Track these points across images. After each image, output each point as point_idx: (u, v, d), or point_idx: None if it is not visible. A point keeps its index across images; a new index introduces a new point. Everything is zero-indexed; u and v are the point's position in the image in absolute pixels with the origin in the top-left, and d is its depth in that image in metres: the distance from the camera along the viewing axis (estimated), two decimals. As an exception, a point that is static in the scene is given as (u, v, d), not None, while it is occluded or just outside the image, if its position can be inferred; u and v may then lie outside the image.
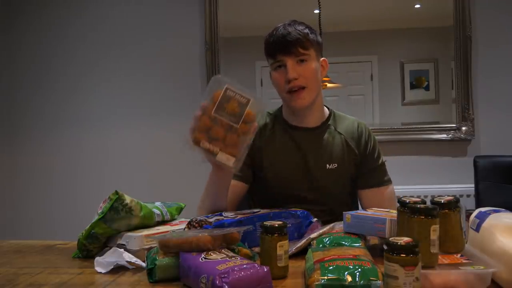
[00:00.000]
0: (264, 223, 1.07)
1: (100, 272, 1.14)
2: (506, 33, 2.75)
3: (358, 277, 0.88)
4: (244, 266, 0.92)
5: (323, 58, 1.60)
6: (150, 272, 1.06)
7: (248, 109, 1.24)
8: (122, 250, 1.19)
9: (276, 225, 1.05)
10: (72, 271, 1.18)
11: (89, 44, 3.05)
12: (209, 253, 1.01)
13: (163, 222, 1.38)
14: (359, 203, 1.66)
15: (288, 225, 1.11)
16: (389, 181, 1.62)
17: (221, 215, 1.32)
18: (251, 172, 1.61)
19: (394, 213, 1.15)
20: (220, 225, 1.22)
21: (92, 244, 1.28)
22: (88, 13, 3.06)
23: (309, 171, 1.57)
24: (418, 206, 0.96)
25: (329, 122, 1.63)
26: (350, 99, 2.89)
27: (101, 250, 1.29)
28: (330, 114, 1.65)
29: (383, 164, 1.64)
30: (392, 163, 1.77)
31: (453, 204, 1.01)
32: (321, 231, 1.25)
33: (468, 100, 2.74)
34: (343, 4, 2.89)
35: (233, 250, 1.06)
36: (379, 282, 0.87)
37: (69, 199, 3.02)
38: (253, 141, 1.30)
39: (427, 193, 2.60)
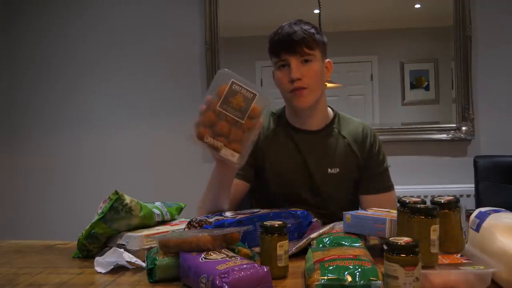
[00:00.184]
0: (264, 223, 1.07)
1: (100, 272, 1.14)
2: (506, 33, 2.75)
3: (358, 277, 0.88)
4: (244, 266, 0.92)
5: (328, 60, 1.57)
6: (150, 272, 1.06)
7: (254, 104, 1.22)
8: (122, 250, 1.19)
9: (276, 225, 1.05)
10: (72, 271, 1.18)
11: (89, 44, 3.05)
12: (209, 253, 1.01)
13: (163, 222, 1.38)
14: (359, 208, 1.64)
15: (288, 225, 1.11)
16: (391, 187, 1.60)
17: (221, 215, 1.32)
18: (253, 172, 1.59)
19: (394, 213, 1.15)
20: (220, 225, 1.22)
21: (92, 244, 1.28)
22: (88, 13, 3.06)
23: (310, 174, 1.55)
24: (418, 206, 0.96)
25: (333, 125, 1.60)
26: (350, 99, 2.89)
27: (101, 250, 1.29)
28: (334, 116, 1.62)
29: (386, 169, 1.61)
30: (392, 163, 1.76)
31: (453, 204, 1.01)
32: (321, 231, 1.25)
33: (468, 100, 2.74)
34: (343, 4, 2.89)
35: (233, 250, 1.06)
36: (379, 282, 0.87)
37: (68, 199, 3.03)
38: (256, 140, 1.28)
39: (427, 193, 2.60)
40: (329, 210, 1.55)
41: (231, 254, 1.01)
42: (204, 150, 1.24)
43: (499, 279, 0.93)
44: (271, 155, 1.58)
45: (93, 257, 1.21)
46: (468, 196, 2.65)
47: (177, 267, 1.03)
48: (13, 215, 3.09)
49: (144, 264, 1.14)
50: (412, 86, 2.85)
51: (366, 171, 1.58)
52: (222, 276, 0.89)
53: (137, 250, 1.22)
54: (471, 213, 1.10)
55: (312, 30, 1.50)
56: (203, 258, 0.98)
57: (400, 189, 2.22)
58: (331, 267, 0.91)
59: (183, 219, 1.44)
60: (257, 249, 1.14)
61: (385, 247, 0.86)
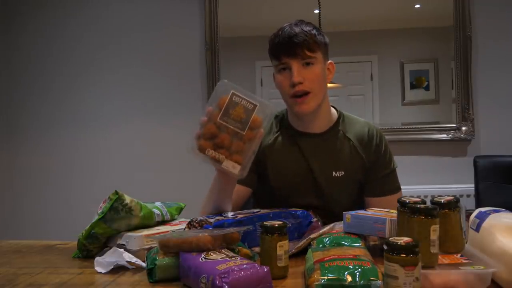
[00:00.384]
0: (264, 223, 1.07)
1: (100, 272, 1.14)
2: (506, 33, 2.75)
3: (358, 277, 0.88)
4: (244, 266, 0.92)
5: (330, 61, 1.53)
6: (150, 272, 1.06)
7: (254, 115, 1.22)
8: (122, 250, 1.19)
9: (276, 225, 1.05)
10: (72, 271, 1.18)
11: (87, 44, 3.05)
12: (209, 253, 1.01)
13: (163, 222, 1.38)
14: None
15: (288, 225, 1.11)
16: (398, 189, 1.56)
17: (221, 215, 1.32)
18: (255, 177, 1.56)
19: (394, 213, 1.15)
20: (220, 225, 1.22)
21: (92, 244, 1.28)
22: (86, 12, 3.06)
23: (315, 178, 1.52)
24: (418, 206, 0.96)
25: (338, 127, 1.56)
26: (350, 99, 2.89)
27: (101, 250, 1.29)
28: (339, 117, 1.58)
29: (394, 170, 1.57)
30: (392, 163, 1.76)
31: (453, 204, 1.01)
32: (321, 231, 1.25)
33: (468, 100, 2.74)
34: (343, 4, 2.89)
35: (233, 250, 1.06)
36: (379, 282, 0.87)
37: (65, 199, 3.02)
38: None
39: (427, 193, 2.60)
40: (333, 213, 1.49)
41: (231, 254, 1.01)
42: (205, 162, 1.24)
43: (499, 279, 0.93)
44: (274, 159, 1.55)
45: (93, 257, 1.21)
46: (468, 196, 2.65)
47: (177, 267, 1.03)
48: (10, 214, 3.08)
49: (144, 264, 1.14)
50: (412, 86, 2.85)
51: (372, 173, 1.54)
52: (222, 276, 0.89)
53: (137, 250, 1.22)
54: (471, 213, 1.10)
55: (314, 31, 1.45)
56: (203, 258, 0.98)
57: (400, 189, 2.22)
58: (331, 267, 0.91)
59: (183, 219, 1.44)
60: (257, 249, 1.14)
61: (385, 247, 0.86)
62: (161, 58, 2.99)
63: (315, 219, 1.36)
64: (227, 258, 0.97)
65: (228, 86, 1.24)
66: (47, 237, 1.62)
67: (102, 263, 1.16)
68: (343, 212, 1.24)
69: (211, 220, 1.25)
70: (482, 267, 0.93)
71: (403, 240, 0.85)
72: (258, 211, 1.33)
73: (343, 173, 1.52)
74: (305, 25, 1.47)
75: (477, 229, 1.04)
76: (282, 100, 1.53)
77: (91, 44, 3.04)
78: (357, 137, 1.55)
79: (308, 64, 1.44)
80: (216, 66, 2.89)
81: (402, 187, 1.59)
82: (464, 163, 2.69)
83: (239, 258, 0.98)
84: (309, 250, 1.08)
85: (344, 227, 1.23)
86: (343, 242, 1.14)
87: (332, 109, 1.60)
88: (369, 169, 1.54)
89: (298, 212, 1.35)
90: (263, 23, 2.75)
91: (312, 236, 1.22)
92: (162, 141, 2.95)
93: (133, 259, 1.16)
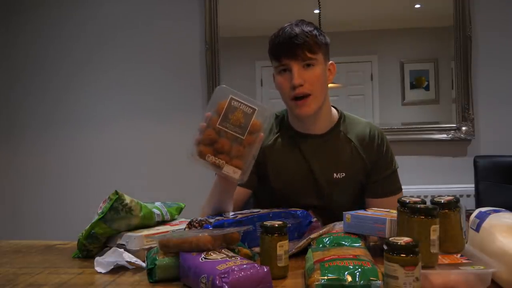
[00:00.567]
0: (264, 223, 1.07)
1: (100, 272, 1.14)
2: (506, 33, 2.75)
3: (358, 277, 0.88)
4: (244, 266, 0.92)
5: (330, 62, 1.51)
6: (150, 272, 1.06)
7: (253, 119, 1.22)
8: (122, 250, 1.19)
9: (276, 225, 1.05)
10: (72, 271, 1.18)
11: (86, 44, 3.04)
12: (209, 253, 1.01)
13: (163, 222, 1.38)
14: None
15: (288, 225, 1.11)
16: (399, 189, 1.56)
17: (221, 215, 1.32)
18: (256, 178, 1.55)
19: (394, 213, 1.15)
20: (220, 225, 1.22)
21: (92, 244, 1.28)
22: (85, 12, 3.05)
23: (315, 180, 1.51)
24: (418, 206, 0.96)
25: (339, 128, 1.54)
26: (350, 99, 2.89)
27: (101, 250, 1.29)
28: (340, 118, 1.56)
29: (395, 171, 1.56)
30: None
31: (453, 204, 1.01)
32: (321, 231, 1.25)
33: (468, 100, 2.74)
34: (343, 4, 2.89)
35: (233, 250, 1.07)
36: (379, 282, 0.87)
37: (64, 199, 3.02)
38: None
39: (427, 193, 2.60)
40: (333, 213, 1.47)
41: (231, 254, 1.01)
42: (206, 168, 1.24)
43: (499, 279, 0.93)
44: (274, 160, 1.54)
45: (93, 257, 1.21)
46: (468, 196, 2.65)
47: (177, 267, 1.04)
48: (8, 214, 3.08)
49: (144, 264, 1.14)
50: (412, 86, 2.85)
51: (373, 174, 1.54)
52: (222, 276, 0.89)
53: (137, 250, 1.22)
54: (471, 213, 1.10)
55: (315, 32, 1.43)
56: (203, 258, 0.98)
57: (400, 189, 2.22)
58: (331, 267, 0.91)
59: (183, 219, 1.44)
60: (257, 249, 1.14)
61: (385, 247, 0.86)
62: (161, 58, 2.98)
63: (315, 219, 1.36)
64: (227, 258, 0.97)
65: (227, 91, 1.23)
66: (45, 237, 1.61)
67: (102, 263, 1.16)
68: (343, 212, 1.24)
69: (211, 220, 1.25)
70: (482, 267, 0.93)
71: (403, 240, 0.85)
72: (258, 211, 1.33)
73: (344, 174, 1.51)
74: (305, 25, 1.45)
75: (477, 229, 1.04)
76: (282, 101, 1.52)
77: (90, 44, 3.04)
78: (358, 138, 1.54)
79: (308, 65, 1.43)
80: (216, 66, 2.89)
81: (402, 187, 1.59)
82: (464, 163, 2.68)
83: (239, 258, 0.98)
84: (309, 250, 1.08)
85: (344, 227, 1.23)
86: (343, 242, 1.14)
87: (333, 109, 1.58)
88: (371, 170, 1.53)
89: (298, 212, 1.35)
90: (263, 23, 2.75)
91: (312, 236, 1.22)
92: (162, 141, 2.95)
93: (133, 259, 1.16)
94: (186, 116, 2.87)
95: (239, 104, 1.22)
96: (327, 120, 1.54)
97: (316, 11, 2.79)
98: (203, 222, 1.24)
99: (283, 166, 1.54)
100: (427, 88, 2.84)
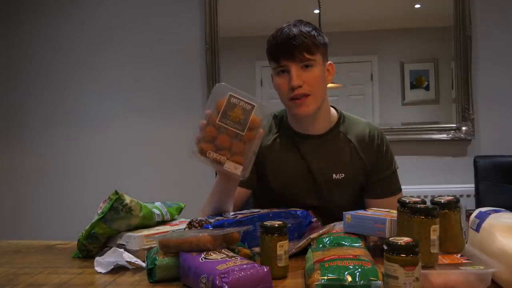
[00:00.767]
0: (264, 223, 1.07)
1: (100, 272, 1.14)
2: (506, 33, 2.75)
3: (358, 277, 0.88)
4: (244, 266, 0.92)
5: (329, 62, 1.50)
6: (150, 272, 1.06)
7: (253, 115, 1.22)
8: (122, 250, 1.19)
9: (276, 225, 1.05)
10: (72, 271, 1.18)
11: (84, 44, 3.04)
12: (209, 253, 1.01)
13: (163, 222, 1.38)
14: None
15: (288, 225, 1.11)
16: (399, 190, 1.55)
17: (221, 215, 1.32)
18: (255, 177, 1.55)
19: (394, 213, 1.15)
20: (220, 225, 1.22)
21: (92, 244, 1.28)
22: (83, 12, 3.05)
23: (315, 180, 1.51)
24: (418, 206, 0.96)
25: (338, 128, 1.54)
26: (350, 99, 2.89)
27: (101, 250, 1.29)
28: (339, 118, 1.55)
29: (395, 172, 1.56)
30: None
31: (453, 204, 1.01)
32: (321, 231, 1.25)
33: (468, 100, 2.74)
34: (343, 4, 2.89)
35: (233, 250, 1.06)
36: (379, 282, 0.87)
37: (63, 199, 3.01)
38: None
39: (427, 193, 2.60)
40: (332, 213, 1.47)
41: (231, 254, 1.01)
42: (207, 165, 1.24)
43: (499, 279, 0.93)
44: (273, 160, 1.53)
45: (93, 257, 1.21)
46: (468, 196, 2.65)
47: (177, 267, 1.04)
48: (7, 214, 3.08)
49: (144, 264, 1.14)
50: (412, 86, 2.85)
51: (373, 175, 1.53)
52: (222, 276, 0.89)
53: (137, 250, 1.22)
54: (471, 213, 1.10)
55: (313, 32, 1.42)
56: (203, 258, 0.98)
57: (400, 189, 2.22)
58: (331, 267, 0.91)
59: (183, 219, 1.44)
60: (257, 249, 1.14)
61: (385, 247, 0.86)
62: (161, 58, 2.98)
63: (315, 219, 1.36)
64: (227, 258, 0.97)
65: (225, 88, 1.24)
66: (44, 237, 1.61)
67: (102, 263, 1.16)
68: (343, 212, 1.24)
69: (211, 220, 1.25)
70: (482, 267, 0.93)
71: (403, 240, 0.85)
72: (258, 211, 1.33)
73: (343, 175, 1.51)
74: (304, 25, 1.44)
75: (477, 229, 1.04)
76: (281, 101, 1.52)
77: (89, 44, 3.04)
78: (358, 139, 1.53)
79: (307, 66, 1.42)
80: (216, 66, 2.89)
81: (402, 187, 1.59)
82: (464, 163, 2.68)
83: (239, 258, 0.98)
84: (309, 250, 1.08)
85: (344, 227, 1.23)
86: (343, 242, 1.14)
87: (332, 109, 1.58)
88: (370, 171, 1.53)
89: (298, 212, 1.35)
90: (263, 23, 2.75)
91: (312, 236, 1.22)
92: (162, 141, 2.95)
93: (133, 259, 1.16)
94: (186, 116, 2.87)
95: (238, 100, 1.22)
96: (326, 121, 1.54)
97: (316, 11, 2.79)
98: (203, 222, 1.24)
99: (282, 166, 1.54)
100: (427, 88, 2.84)
